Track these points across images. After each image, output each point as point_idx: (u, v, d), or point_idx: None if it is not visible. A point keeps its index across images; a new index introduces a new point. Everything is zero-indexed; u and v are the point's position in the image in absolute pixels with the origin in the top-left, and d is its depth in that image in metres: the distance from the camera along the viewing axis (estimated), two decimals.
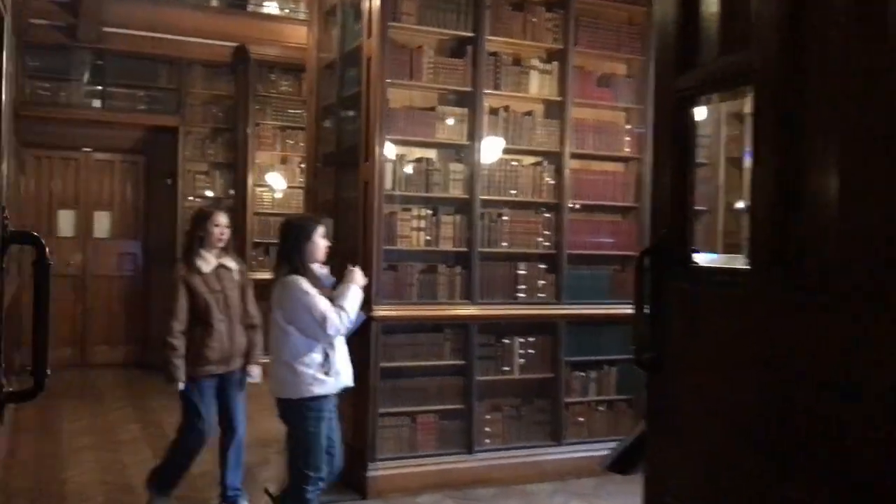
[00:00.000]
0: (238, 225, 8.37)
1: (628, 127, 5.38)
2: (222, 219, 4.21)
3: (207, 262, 4.16)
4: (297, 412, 3.60)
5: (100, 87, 8.18)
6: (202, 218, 4.22)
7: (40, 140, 8.23)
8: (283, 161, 8.55)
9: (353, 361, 4.65)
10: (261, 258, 8.37)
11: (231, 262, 4.28)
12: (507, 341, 4.92)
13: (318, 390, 3.57)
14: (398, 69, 4.65)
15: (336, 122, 5.18)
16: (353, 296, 3.67)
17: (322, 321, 3.52)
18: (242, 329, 4.24)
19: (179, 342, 4.04)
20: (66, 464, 5.02)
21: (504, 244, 4.95)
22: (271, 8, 8.86)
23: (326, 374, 3.59)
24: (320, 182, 5.43)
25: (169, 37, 8.05)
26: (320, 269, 3.77)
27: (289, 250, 3.68)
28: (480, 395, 4.81)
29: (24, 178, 8.24)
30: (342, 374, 3.68)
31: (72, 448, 5.35)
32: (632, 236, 5.33)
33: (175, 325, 4.06)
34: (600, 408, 5.22)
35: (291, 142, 8.53)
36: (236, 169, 8.53)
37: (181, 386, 4.05)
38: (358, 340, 4.46)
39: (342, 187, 5.09)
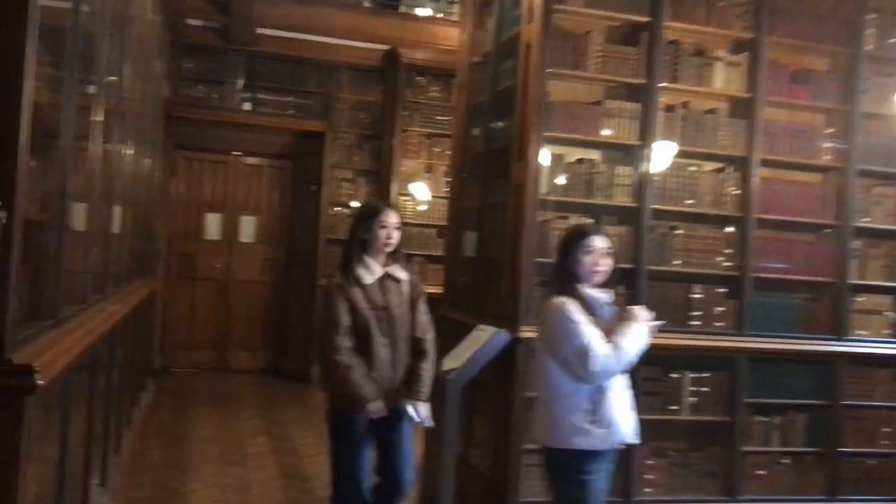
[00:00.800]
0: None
1: (829, 131, 4.57)
2: (391, 217, 3.44)
3: (371, 270, 3.38)
4: (560, 466, 3.02)
5: (250, 91, 8.12)
6: (367, 216, 3.46)
7: (191, 142, 8.26)
8: (429, 170, 8.17)
9: (491, 387, 4.16)
10: None
11: (400, 272, 3.46)
12: (675, 376, 4.22)
13: (582, 443, 2.93)
14: (561, 58, 4.09)
15: (486, 120, 4.68)
16: (635, 334, 2.97)
17: (583, 354, 2.86)
18: (409, 355, 3.43)
19: (354, 359, 3.24)
20: (189, 475, 4.75)
21: (676, 262, 4.26)
22: (425, 10, 8.55)
23: (594, 424, 2.94)
24: (466, 188, 4.95)
25: (319, 39, 7.89)
26: (598, 293, 3.06)
27: (559, 266, 3.09)
28: (642, 437, 4.12)
29: (174, 181, 8.29)
30: (617, 427, 3.00)
31: (197, 458, 5.09)
32: (828, 260, 4.51)
33: (341, 341, 3.25)
34: (784, 460, 4.40)
35: (438, 150, 8.14)
36: (380, 177, 8.23)
37: (379, 407, 3.27)
38: (500, 366, 3.92)
39: (489, 193, 4.56)
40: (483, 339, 3.92)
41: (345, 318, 3.27)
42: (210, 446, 5.38)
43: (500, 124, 4.47)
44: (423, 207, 8.05)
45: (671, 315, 4.19)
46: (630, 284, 4.15)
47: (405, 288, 3.46)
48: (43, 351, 2.03)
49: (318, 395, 7.38)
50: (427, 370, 3.42)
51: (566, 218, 4.16)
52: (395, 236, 3.43)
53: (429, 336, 3.49)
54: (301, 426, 6.13)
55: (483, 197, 4.61)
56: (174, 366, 8.20)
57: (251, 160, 8.55)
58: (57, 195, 2.55)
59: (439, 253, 8.03)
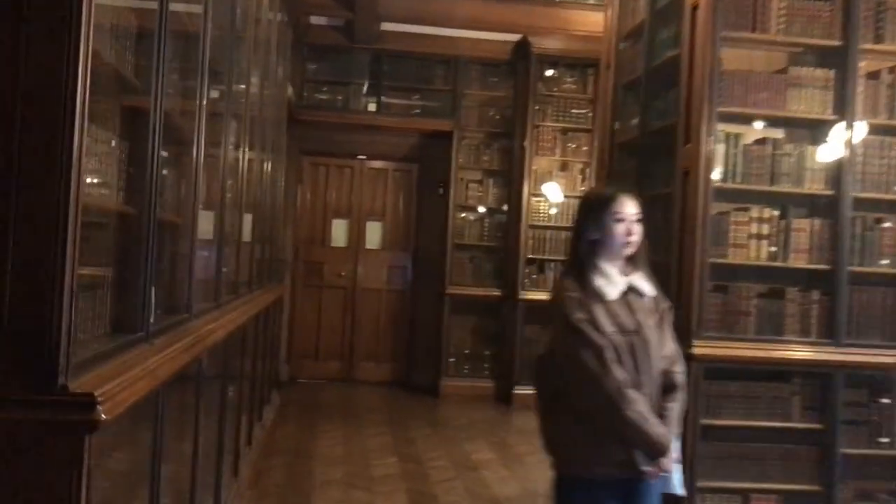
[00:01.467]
0: (513, 238, 7.54)
1: None
2: (629, 207, 2.51)
3: (612, 281, 2.44)
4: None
5: (375, 91, 7.78)
6: (596, 207, 2.54)
7: (317, 147, 8.01)
8: (563, 167, 7.57)
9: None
10: (535, 276, 7.44)
11: (643, 283, 2.52)
12: (886, 401, 3.46)
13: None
14: (735, 19, 3.43)
15: (641, 101, 4.06)
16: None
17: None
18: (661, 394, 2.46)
19: (635, 393, 2.34)
20: (309, 499, 4.36)
21: (885, 262, 3.51)
22: None
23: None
24: (616, 178, 4.34)
25: (444, 33, 7.44)
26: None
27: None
28: (844, 474, 3.39)
29: (301, 187, 8.06)
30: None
31: (320, 480, 4.70)
32: None
33: (615, 372, 2.31)
34: None
35: (573, 145, 7.53)
36: (511, 177, 7.70)
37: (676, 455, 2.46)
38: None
39: (647, 184, 3.94)
40: None
41: (603, 341, 2.34)
42: (336, 467, 4.99)
43: (659, 103, 3.84)
44: (554, 210, 7.46)
45: (879, 327, 3.44)
46: (827, 289, 3.43)
47: (650, 304, 2.52)
48: (118, 372, 1.59)
49: (448, 410, 6.97)
50: (678, 411, 2.48)
51: (746, 209, 3.48)
52: (637, 232, 2.50)
53: (680, 368, 2.54)
54: (431, 446, 5.66)
55: (639, 189, 3.98)
56: (301, 376, 7.95)
57: (376, 164, 8.21)
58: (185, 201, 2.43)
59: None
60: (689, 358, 3.20)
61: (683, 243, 3.38)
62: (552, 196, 7.47)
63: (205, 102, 2.62)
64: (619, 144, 4.31)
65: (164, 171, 2.24)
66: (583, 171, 7.54)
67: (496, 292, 7.66)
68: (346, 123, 7.77)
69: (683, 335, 3.25)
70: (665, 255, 3.55)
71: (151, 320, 2.02)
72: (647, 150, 3.94)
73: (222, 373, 3.38)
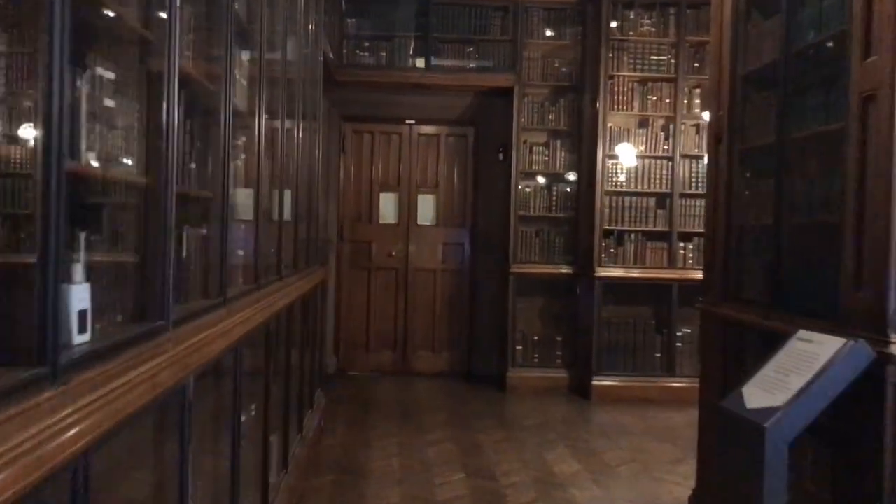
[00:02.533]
0: (586, 207, 6.58)
1: None
2: None
3: None
4: None
5: (423, 45, 6.85)
6: None
7: (359, 112, 7.14)
8: (642, 123, 6.57)
9: (836, 437, 2.53)
10: (612, 249, 6.47)
11: None
12: None
13: None
14: None
15: (778, 11, 3.06)
16: None
17: None
18: None
19: None
20: None
21: None
22: None
23: None
24: (737, 125, 3.36)
25: None
26: None
27: None
28: None
29: (343, 158, 7.21)
30: None
31: None
32: None
33: None
34: None
35: (653, 97, 6.52)
36: (582, 137, 6.72)
37: None
38: (854, 403, 2.33)
39: (796, 120, 2.95)
40: (820, 357, 2.35)
41: None
42: (390, 487, 4.14)
43: (811, 10, 2.84)
44: (633, 168, 6.47)
45: None
46: None
47: None
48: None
49: (517, 406, 6.08)
50: None
51: None
52: None
53: None
54: (503, 455, 4.78)
55: (781, 130, 3.00)
56: (350, 369, 7.15)
57: (427, 129, 7.30)
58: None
59: (660, 227, 6.43)
60: (886, 359, 2.26)
61: (866, 197, 2.40)
62: (627, 157, 6.48)
63: (233, 64, 2.42)
64: (745, 77, 3.32)
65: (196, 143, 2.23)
66: (665, 127, 6.52)
67: (568, 269, 6.73)
68: (392, 83, 6.87)
69: (878, 327, 2.31)
70: (834, 215, 2.58)
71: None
72: (793, 76, 2.95)
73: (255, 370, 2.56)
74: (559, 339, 6.78)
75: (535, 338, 6.77)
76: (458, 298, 7.26)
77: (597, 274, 6.40)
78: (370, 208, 7.30)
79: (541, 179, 6.87)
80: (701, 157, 6.51)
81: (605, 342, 6.46)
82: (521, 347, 6.75)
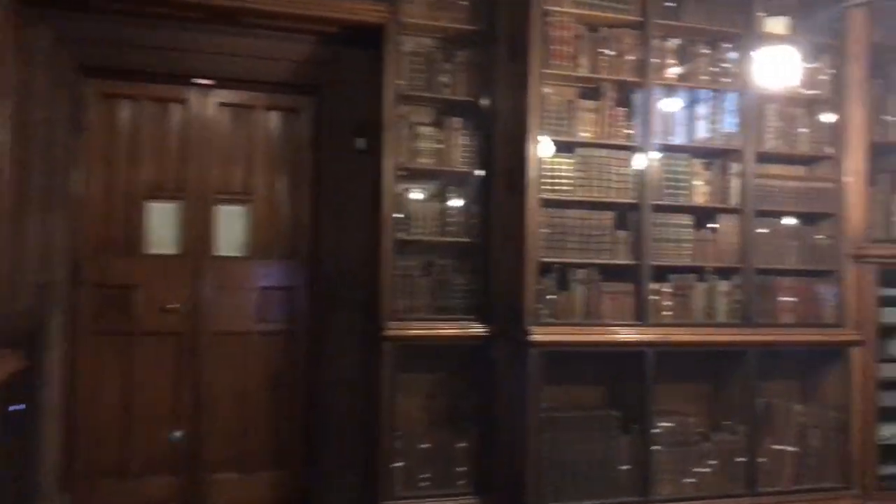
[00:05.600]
0: (509, 226, 4.00)
1: None
2: None
3: None
4: None
5: None
6: None
7: (114, 62, 4.09)
8: (594, 93, 4.12)
9: None
10: (552, 296, 3.93)
11: None
12: None
13: None
14: None
15: None
16: None
17: None
18: None
19: None
20: None
21: None
22: None
23: None
24: None
25: None
26: None
27: None
28: None
29: (83, 140, 4.11)
30: None
31: None
32: None
33: None
34: None
35: (611, 52, 4.10)
36: (497, 113, 4.15)
37: None
38: None
39: None
40: None
41: None
42: None
43: None
44: (575, 172, 3.94)
45: None
46: None
47: None
48: None
49: None
50: None
51: None
52: None
53: None
54: None
55: None
56: None
57: (234, 96, 4.39)
58: None
59: (622, 259, 4.00)
60: None
61: None
62: (569, 147, 3.97)
63: None
64: None
65: None
66: (628, 99, 4.11)
67: (479, 330, 4.08)
68: (174, 11, 3.93)
69: None
70: None
71: None
72: None
73: None
74: (464, 445, 4.09)
75: (426, 445, 4.03)
76: (288, 381, 4.35)
77: (531, 337, 3.80)
78: (131, 229, 4.23)
79: (434, 180, 4.21)
80: (684, 148, 4.19)
81: (545, 451, 3.86)
82: (402, 462, 3.97)
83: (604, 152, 4.05)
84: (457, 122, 4.15)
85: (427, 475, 4.00)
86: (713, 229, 4.21)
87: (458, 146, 4.15)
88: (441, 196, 4.19)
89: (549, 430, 3.87)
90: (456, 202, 4.17)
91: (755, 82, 4.21)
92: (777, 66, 3.27)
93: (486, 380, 4.09)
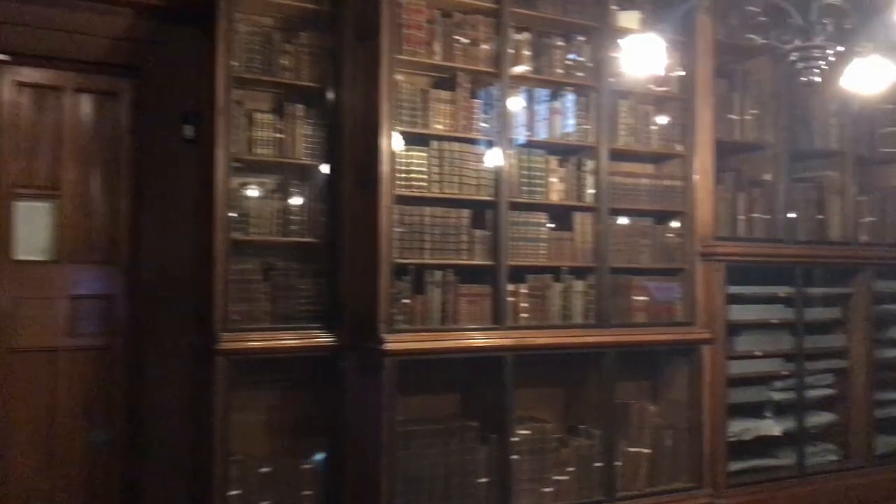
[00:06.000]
0: (360, 225, 3.68)
1: None
2: None
3: None
4: None
5: None
6: None
7: None
8: (449, 83, 3.86)
9: None
10: (406, 300, 3.65)
11: None
12: None
13: None
14: None
15: None
16: None
17: None
18: None
19: None
20: None
21: None
22: None
23: None
24: None
25: None
26: None
27: None
28: None
29: None
30: None
31: None
32: None
33: None
34: None
35: (463, 40, 3.86)
36: (341, 100, 3.81)
37: None
38: None
39: None
40: None
41: None
42: None
43: None
44: (429, 167, 3.65)
45: None
46: None
47: None
48: None
49: None
50: None
51: None
52: None
53: None
54: None
55: None
56: None
57: (38, 74, 3.77)
58: None
59: (479, 260, 3.79)
60: None
61: None
62: (423, 141, 3.70)
63: None
64: None
65: None
66: (483, 91, 3.89)
67: (327, 340, 3.71)
68: None
69: None
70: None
71: None
72: None
73: None
74: (310, 466, 3.71)
75: (266, 469, 3.62)
76: (103, 406, 3.79)
77: (385, 346, 3.49)
78: None
79: (274, 174, 3.80)
80: (540, 144, 4.02)
81: (401, 467, 3.57)
82: (238, 491, 3.53)
83: (460, 146, 3.80)
84: (300, 109, 3.76)
85: (267, 502, 3.59)
86: (569, 228, 4.08)
87: (302, 136, 3.76)
88: (282, 191, 3.79)
89: (404, 446, 3.57)
90: (299, 198, 3.79)
91: (609, 77, 4.12)
92: (637, 58, 3.16)
93: (336, 394, 3.73)
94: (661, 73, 4.23)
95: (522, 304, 3.89)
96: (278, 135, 3.73)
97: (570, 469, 3.97)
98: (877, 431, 4.82)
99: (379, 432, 3.50)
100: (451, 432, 3.74)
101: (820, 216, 4.82)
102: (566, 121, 4.09)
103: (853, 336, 4.84)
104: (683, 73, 4.35)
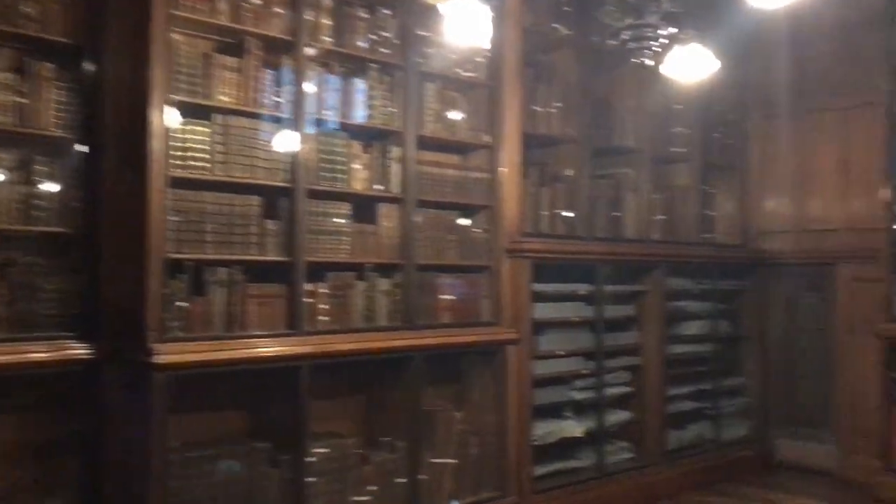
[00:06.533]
0: (124, 212, 3.06)
1: None
2: None
3: None
4: None
5: None
6: None
7: None
8: (235, 49, 3.32)
9: None
10: (185, 303, 3.09)
11: None
12: None
13: None
14: None
15: None
16: None
17: None
18: None
19: None
20: None
21: None
22: None
23: None
24: None
25: None
26: None
27: None
28: None
29: None
30: None
31: None
32: None
33: None
34: None
35: (257, 1, 3.34)
36: (102, 58, 3.15)
37: None
38: None
39: None
40: None
41: None
42: None
43: None
44: (212, 147, 3.11)
45: None
46: None
47: None
48: None
49: None
50: None
51: None
52: None
53: None
54: None
55: None
56: None
57: None
58: None
59: (273, 255, 3.32)
60: None
61: None
62: (205, 115, 3.14)
63: None
64: None
65: None
66: (275, 60, 3.40)
67: (83, 351, 3.04)
68: None
69: None
70: None
71: None
72: None
73: None
74: (59, 502, 3.04)
75: None
76: None
77: (155, 359, 2.90)
78: None
79: (7, 151, 3.05)
80: (342, 126, 3.59)
81: (175, 499, 3.00)
82: None
83: (249, 122, 3.29)
84: (49, 70, 3.07)
85: None
86: (373, 220, 3.69)
87: (52, 103, 3.07)
88: (25, 170, 3.06)
89: (179, 473, 3.01)
90: (48, 179, 3.08)
91: (416, 57, 3.78)
92: (450, 28, 2.84)
93: (93, 416, 3.08)
94: (467, 57, 3.97)
95: (322, 306, 3.45)
96: (20, 99, 3.00)
97: (372, 488, 3.59)
98: (668, 427, 4.89)
99: (148, 459, 2.92)
100: (237, 455, 3.22)
101: (617, 213, 4.82)
102: (371, 102, 3.70)
103: (647, 333, 4.88)
104: (490, 58, 4.10)
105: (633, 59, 2.67)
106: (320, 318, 3.44)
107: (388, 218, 3.73)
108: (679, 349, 5.02)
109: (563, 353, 4.42)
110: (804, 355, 5.54)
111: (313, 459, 3.36)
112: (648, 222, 4.93)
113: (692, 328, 5.17)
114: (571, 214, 4.48)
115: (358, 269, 3.61)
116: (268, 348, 3.23)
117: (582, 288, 4.52)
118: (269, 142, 3.33)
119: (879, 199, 4.83)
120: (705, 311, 5.25)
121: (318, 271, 3.45)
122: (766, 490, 4.93)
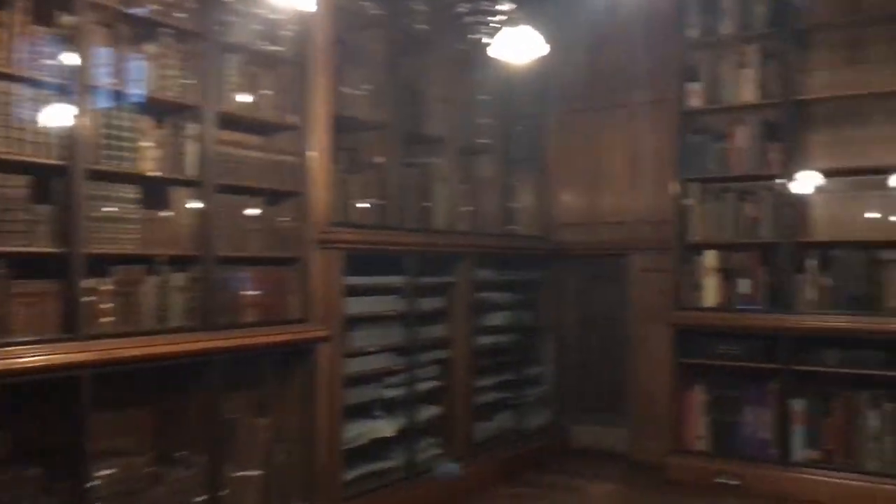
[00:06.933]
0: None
1: None
2: None
3: None
4: None
5: None
6: None
7: None
8: None
9: None
10: None
11: None
12: None
13: None
14: None
15: None
16: None
17: None
18: None
19: None
20: None
21: None
22: None
23: None
24: None
25: None
26: None
27: None
28: None
29: None
30: None
31: None
32: None
33: None
34: None
35: None
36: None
37: None
38: None
39: None
40: None
41: None
42: None
43: None
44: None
45: None
46: None
47: None
48: None
49: None
50: None
51: None
52: None
53: None
54: None
55: None
56: None
57: None
58: None
59: (48, 246, 2.83)
60: None
61: None
62: None
63: None
64: None
65: None
66: (51, 10, 2.86)
67: None
68: None
69: None
70: None
71: None
72: None
73: None
74: None
75: None
76: None
77: None
78: None
79: None
80: (128, 96, 3.11)
81: None
82: None
83: (12, 86, 2.73)
84: None
85: None
86: (166, 206, 3.25)
87: None
88: None
89: None
90: None
91: (216, 24, 3.37)
92: None
93: None
94: (272, 28, 3.63)
95: (104, 306, 2.96)
96: None
97: None
98: (475, 420, 4.83)
99: None
100: (1, 486, 2.68)
101: (427, 203, 4.67)
102: (163, 72, 3.24)
103: (455, 325, 4.78)
104: (299, 29, 3.77)
105: (469, 36, 2.50)
106: (103, 319, 2.95)
107: (182, 204, 3.29)
108: (485, 340, 4.98)
109: (374, 349, 4.20)
110: (601, 344, 5.74)
111: (97, 483, 2.88)
112: (456, 213, 4.83)
113: (496, 319, 5.15)
114: (383, 203, 4.27)
115: (148, 263, 3.15)
116: (36, 357, 2.70)
117: (395, 281, 4.32)
118: (40, 112, 2.79)
119: (669, 192, 5.08)
120: (508, 301, 5.27)
121: (99, 265, 2.95)
122: (568, 477, 5.03)
